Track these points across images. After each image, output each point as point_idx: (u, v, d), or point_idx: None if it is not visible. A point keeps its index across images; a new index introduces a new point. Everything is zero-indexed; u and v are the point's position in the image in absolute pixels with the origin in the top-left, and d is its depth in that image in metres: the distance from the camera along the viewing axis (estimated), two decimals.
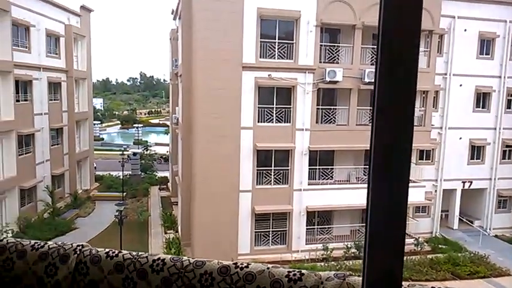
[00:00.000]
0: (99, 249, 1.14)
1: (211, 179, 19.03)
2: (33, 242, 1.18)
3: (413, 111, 0.67)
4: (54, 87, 27.18)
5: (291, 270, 1.05)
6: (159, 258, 1.09)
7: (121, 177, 31.66)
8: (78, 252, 1.13)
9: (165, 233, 23.79)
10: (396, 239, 0.66)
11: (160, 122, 73.88)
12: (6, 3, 20.40)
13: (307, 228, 21.27)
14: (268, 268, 1.04)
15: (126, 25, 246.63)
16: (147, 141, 50.68)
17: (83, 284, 1.09)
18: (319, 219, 21.93)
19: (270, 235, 20.99)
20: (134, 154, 36.49)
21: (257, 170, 20.25)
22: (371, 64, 20.99)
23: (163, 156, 39.86)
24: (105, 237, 22.09)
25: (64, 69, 28.04)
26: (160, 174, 35.89)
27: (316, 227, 21.74)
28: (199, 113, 19.28)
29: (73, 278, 1.09)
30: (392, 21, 0.63)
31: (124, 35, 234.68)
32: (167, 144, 38.66)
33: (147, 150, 40.60)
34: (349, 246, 20.44)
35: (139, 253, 1.12)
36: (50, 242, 1.18)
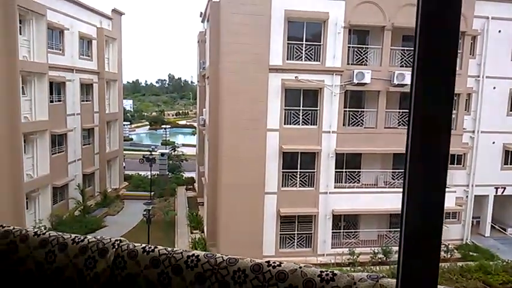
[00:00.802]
0: (136, 244, 1.16)
1: (237, 180, 19.13)
2: (73, 235, 1.22)
3: (451, 115, 0.66)
4: (86, 88, 28.00)
5: (323, 270, 1.05)
6: (193, 255, 1.11)
7: (149, 177, 32.28)
8: (116, 247, 1.16)
9: (191, 232, 24.07)
10: (432, 247, 0.65)
11: (188, 123, 74.85)
12: (42, 8, 21.19)
13: (333, 232, 21.05)
14: (300, 267, 1.05)
15: (156, 28, 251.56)
16: (174, 142, 51.46)
17: (120, 277, 1.11)
18: (345, 223, 21.67)
19: (295, 238, 20.90)
20: (162, 154, 37.11)
21: (283, 172, 20.22)
22: (400, 66, 20.62)
23: (185, 158, 40.15)
24: (134, 236, 22.54)
25: (96, 71, 28.85)
26: (186, 174, 36.36)
27: (342, 231, 21.49)
28: (225, 115, 19.44)
29: (111, 272, 1.12)
30: (429, 23, 0.63)
31: (153, 38, 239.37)
32: (194, 145, 39.12)
33: (174, 151, 41.21)
34: (376, 251, 20.09)
35: (174, 249, 1.14)
36: (89, 236, 1.22)
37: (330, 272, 1.04)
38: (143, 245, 1.16)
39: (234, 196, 19.25)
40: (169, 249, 1.14)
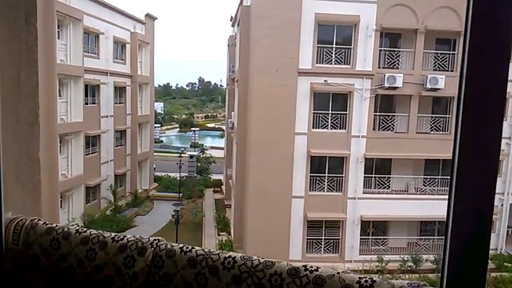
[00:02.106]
0: (173, 244, 1.18)
1: (265, 183, 19.15)
2: (113, 234, 1.25)
3: (502, 121, 0.64)
4: (119, 91, 28.76)
5: (362, 276, 1.02)
6: (230, 256, 1.11)
7: (178, 178, 32.77)
8: (154, 246, 1.18)
9: (218, 234, 24.25)
10: (480, 256, 0.63)
11: (216, 126, 75.53)
12: (79, 13, 21.98)
13: (361, 238, 20.71)
14: (338, 273, 1.03)
15: (187, 32, 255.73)
16: (203, 145, 52.01)
17: (158, 276, 1.12)
18: (374, 229, 21.27)
19: (322, 243, 20.69)
20: (191, 157, 37.58)
21: (310, 176, 20.09)
22: (433, 70, 20.12)
23: (213, 160, 40.48)
24: (162, 236, 21.88)
25: (129, 75, 29.60)
26: (214, 177, 36.67)
27: (370, 237, 21.11)
28: (254, 118, 19.52)
29: (149, 270, 1.14)
30: (480, 29, 0.60)
31: (185, 42, 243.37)
32: (222, 148, 39.44)
33: (203, 153, 41.66)
34: (405, 259, 19.62)
35: (211, 250, 1.15)
36: (128, 235, 1.24)
37: (369, 278, 1.02)
38: (181, 245, 1.17)
39: (261, 199, 19.28)
40: (206, 250, 1.15)
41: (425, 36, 19.61)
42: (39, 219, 1.33)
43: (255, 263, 1.08)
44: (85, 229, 1.29)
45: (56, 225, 1.29)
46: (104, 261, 1.18)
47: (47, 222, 1.31)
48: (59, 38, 20.91)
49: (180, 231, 21.06)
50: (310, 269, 1.05)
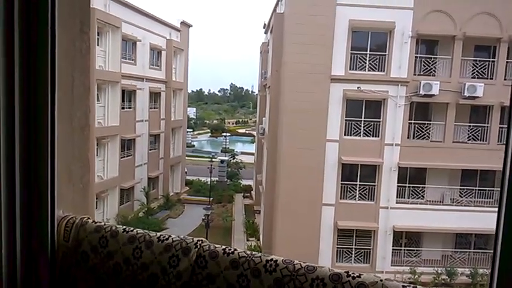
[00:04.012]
0: (216, 246, 1.19)
1: (295, 190, 19.04)
2: (159, 234, 1.29)
3: None
4: (154, 96, 29.42)
5: (406, 284, 1.00)
6: (271, 259, 1.11)
7: (209, 182, 33.10)
8: (198, 247, 1.19)
9: (247, 240, 24.28)
10: None
11: (247, 132, 75.82)
12: (118, 21, 22.72)
13: (393, 249, 20.19)
14: (381, 280, 1.00)
15: (220, 39, 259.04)
16: (233, 150, 52.33)
17: (201, 276, 1.14)
18: (407, 240, 20.69)
19: (353, 252, 20.31)
20: (222, 162, 37.88)
21: (341, 184, 19.81)
22: (472, 77, 19.48)
23: (243, 166, 40.66)
24: None
25: (164, 80, 30.25)
26: (244, 182, 36.80)
27: (403, 248, 20.54)
28: (285, 124, 19.49)
29: (193, 270, 1.16)
30: None
31: (218, 49, 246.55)
32: (252, 154, 39.53)
33: (233, 159, 41.92)
34: (439, 272, 18.97)
35: (253, 252, 1.16)
36: (173, 235, 1.27)
37: (413, 287, 0.99)
38: (223, 247, 1.19)
39: (291, 206, 19.18)
40: (248, 252, 1.16)
41: (464, 43, 19.03)
42: (89, 218, 1.38)
43: (297, 267, 1.08)
44: (132, 228, 1.32)
45: (105, 224, 1.34)
46: (150, 260, 1.21)
47: (96, 221, 1.36)
48: (98, 45, 21.65)
49: (209, 235, 21.25)
50: (352, 275, 1.03)
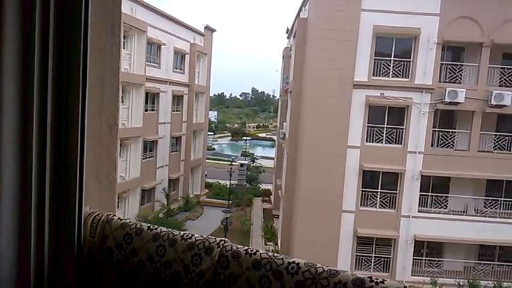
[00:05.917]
0: (239, 246, 1.20)
1: (314, 195, 18.92)
2: (182, 233, 1.30)
3: None
4: (177, 99, 29.79)
5: None
6: (293, 262, 1.11)
7: (228, 186, 33.23)
8: (221, 246, 1.20)
9: (265, 244, 24.23)
10: None
11: (267, 136, 75.81)
12: (144, 25, 23.17)
13: (414, 259, 19.80)
14: (405, 287, 0.99)
15: (242, 43, 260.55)
16: (253, 154, 52.41)
17: (223, 276, 1.15)
18: (428, 250, 20.26)
19: (372, 260, 20.01)
20: (241, 165, 38.00)
21: (362, 191, 19.58)
22: (499, 85, 19.00)
23: (263, 170, 40.66)
24: None
25: (187, 84, 30.62)
26: (263, 186, 36.79)
27: (424, 258, 20.11)
28: (306, 129, 19.42)
29: (215, 270, 1.16)
30: None
31: (240, 53, 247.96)
32: (272, 158, 39.51)
33: (253, 163, 41.97)
34: (461, 283, 18.48)
35: (275, 254, 1.15)
36: (196, 234, 1.28)
37: None
38: (245, 247, 1.19)
39: (310, 211, 19.05)
40: (270, 253, 1.15)
41: (491, 50, 18.59)
42: (114, 215, 1.40)
43: (319, 270, 1.07)
44: (156, 226, 1.33)
45: (130, 221, 1.36)
46: (173, 258, 1.22)
47: (121, 218, 1.37)
48: (124, 48, 22.11)
49: (228, 238, 20.94)
50: (375, 280, 1.02)
